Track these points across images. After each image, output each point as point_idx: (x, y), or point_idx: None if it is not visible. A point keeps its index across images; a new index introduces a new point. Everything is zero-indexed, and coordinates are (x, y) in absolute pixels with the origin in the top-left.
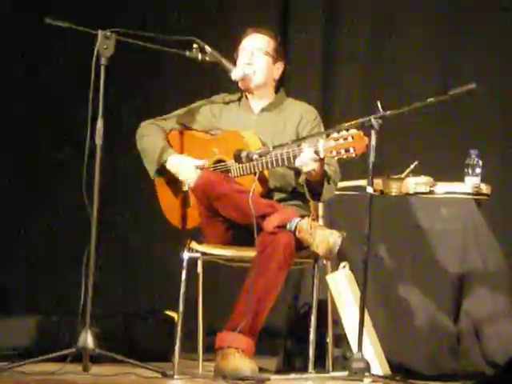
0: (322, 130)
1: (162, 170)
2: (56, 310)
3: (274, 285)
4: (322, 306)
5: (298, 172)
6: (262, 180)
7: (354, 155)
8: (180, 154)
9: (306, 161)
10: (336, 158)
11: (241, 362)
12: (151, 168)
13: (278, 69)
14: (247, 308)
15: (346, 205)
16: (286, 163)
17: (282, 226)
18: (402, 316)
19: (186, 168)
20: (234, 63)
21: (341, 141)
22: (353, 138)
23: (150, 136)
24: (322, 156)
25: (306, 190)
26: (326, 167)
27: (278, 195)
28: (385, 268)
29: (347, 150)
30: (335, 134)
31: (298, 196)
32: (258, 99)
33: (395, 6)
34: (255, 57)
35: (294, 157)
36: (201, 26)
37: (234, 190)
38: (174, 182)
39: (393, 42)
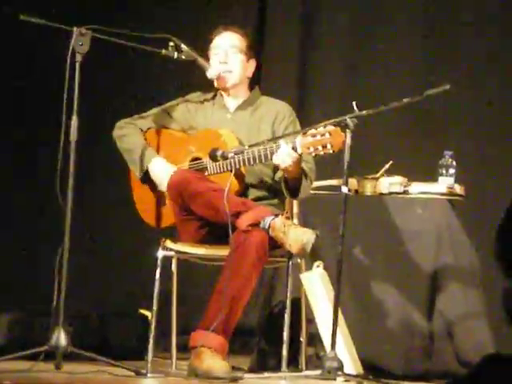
0: (298, 126)
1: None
2: (29, 308)
3: (248, 283)
4: (296, 304)
5: (275, 169)
6: (239, 177)
7: (331, 151)
8: (162, 159)
9: (284, 157)
10: (313, 155)
11: (213, 361)
12: (136, 170)
13: (252, 66)
14: (220, 307)
15: (320, 204)
16: (263, 160)
17: (256, 224)
18: (376, 315)
19: (167, 176)
20: (208, 62)
21: (318, 137)
22: (330, 134)
23: (130, 136)
24: (299, 152)
25: (283, 187)
26: (302, 164)
27: (254, 193)
28: (359, 267)
29: (324, 146)
30: (312, 130)
31: (274, 194)
32: (233, 97)
33: (375, 4)
34: (230, 55)
35: (272, 153)
36: (176, 23)
37: (208, 189)
38: (150, 182)
39: (370, 42)
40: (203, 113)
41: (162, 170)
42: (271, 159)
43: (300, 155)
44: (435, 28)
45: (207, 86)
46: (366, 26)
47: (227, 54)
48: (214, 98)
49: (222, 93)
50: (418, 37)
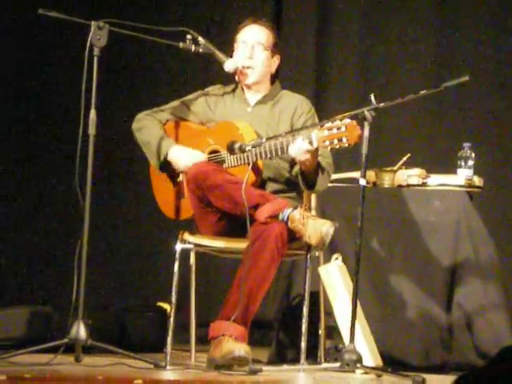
0: (317, 121)
1: (166, 163)
2: (49, 301)
3: (267, 275)
4: (315, 297)
5: (292, 162)
6: (256, 170)
7: (347, 145)
8: (180, 146)
9: (300, 150)
10: (329, 149)
11: (234, 344)
12: (154, 161)
13: (275, 62)
14: (240, 298)
15: (338, 196)
16: (279, 153)
17: (274, 216)
18: (394, 308)
19: (188, 158)
20: (231, 53)
21: (334, 130)
22: (346, 127)
23: (148, 128)
24: (315, 146)
25: (300, 180)
26: (319, 159)
27: (271, 186)
28: (377, 260)
29: (340, 140)
30: (329, 124)
31: (292, 187)
32: (254, 92)
33: None
34: (256, 51)
35: (288, 147)
36: (191, 15)
37: (227, 181)
38: (169, 173)
39: (387, 34)
40: (223, 106)
41: (181, 153)
42: (287, 152)
43: (316, 149)
44: (453, 18)
45: (228, 79)
46: (383, 17)
47: (254, 50)
48: (234, 91)
49: (243, 86)
50: (435, 27)
